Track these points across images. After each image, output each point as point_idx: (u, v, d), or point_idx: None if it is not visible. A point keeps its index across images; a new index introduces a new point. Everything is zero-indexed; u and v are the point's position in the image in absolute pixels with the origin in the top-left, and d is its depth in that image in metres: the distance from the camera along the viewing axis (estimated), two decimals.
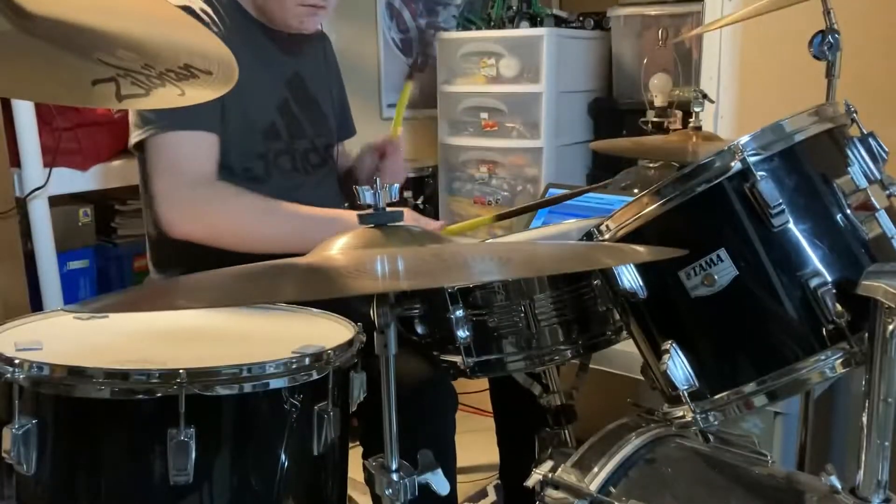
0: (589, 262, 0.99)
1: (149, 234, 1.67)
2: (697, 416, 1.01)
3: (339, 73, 1.94)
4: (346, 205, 1.77)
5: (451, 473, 1.52)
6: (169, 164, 1.49)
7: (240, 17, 1.64)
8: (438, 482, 0.94)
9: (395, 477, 0.91)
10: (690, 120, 1.76)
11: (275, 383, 1.03)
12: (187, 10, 1.49)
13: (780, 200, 0.93)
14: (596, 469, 0.99)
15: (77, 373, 0.98)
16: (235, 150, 1.58)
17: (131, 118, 1.53)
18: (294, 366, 1.03)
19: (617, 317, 1.20)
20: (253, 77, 1.59)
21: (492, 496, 2.28)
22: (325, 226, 1.49)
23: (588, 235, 1.06)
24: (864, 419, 0.89)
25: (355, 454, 1.22)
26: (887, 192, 0.96)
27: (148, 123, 1.49)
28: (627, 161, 2.29)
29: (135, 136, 1.51)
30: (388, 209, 0.92)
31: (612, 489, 0.98)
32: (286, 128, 1.67)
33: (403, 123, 3.06)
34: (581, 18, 2.70)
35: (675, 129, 2.28)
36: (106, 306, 0.90)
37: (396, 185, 0.95)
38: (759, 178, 0.93)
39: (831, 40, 1.34)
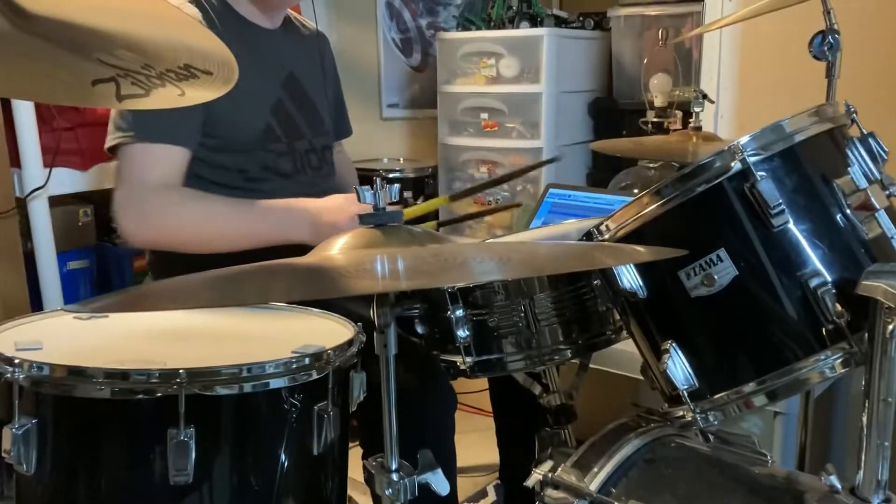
0: (589, 262, 0.99)
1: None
2: (697, 415, 1.01)
3: (337, 72, 1.93)
4: None
5: (451, 474, 1.52)
6: (132, 173, 1.49)
7: (231, 17, 1.63)
8: (438, 482, 0.94)
9: (395, 477, 0.91)
10: (690, 120, 1.76)
11: (275, 383, 1.02)
12: None
13: (780, 200, 0.93)
14: (596, 469, 1.00)
15: (77, 373, 0.98)
16: (228, 151, 1.58)
17: (110, 121, 1.52)
18: (294, 366, 1.03)
19: (617, 317, 1.20)
20: (244, 78, 1.58)
21: (492, 496, 2.28)
22: (278, 218, 1.49)
23: (588, 235, 1.05)
24: (864, 419, 0.89)
25: (355, 454, 1.22)
26: (887, 192, 0.96)
27: (121, 130, 1.48)
28: (627, 161, 2.29)
29: (109, 140, 1.51)
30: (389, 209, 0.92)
31: (612, 489, 0.98)
32: (283, 129, 1.66)
33: (403, 124, 3.05)
34: (581, 18, 2.69)
35: (675, 130, 2.28)
36: (106, 306, 0.90)
37: (396, 186, 0.95)
38: (758, 179, 0.93)
39: (831, 40, 1.34)
